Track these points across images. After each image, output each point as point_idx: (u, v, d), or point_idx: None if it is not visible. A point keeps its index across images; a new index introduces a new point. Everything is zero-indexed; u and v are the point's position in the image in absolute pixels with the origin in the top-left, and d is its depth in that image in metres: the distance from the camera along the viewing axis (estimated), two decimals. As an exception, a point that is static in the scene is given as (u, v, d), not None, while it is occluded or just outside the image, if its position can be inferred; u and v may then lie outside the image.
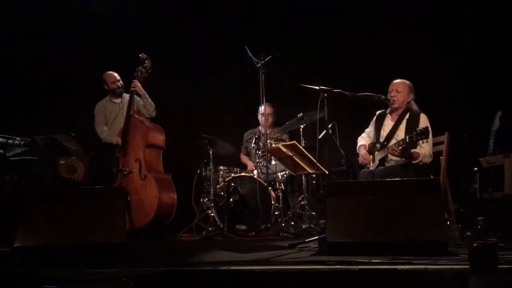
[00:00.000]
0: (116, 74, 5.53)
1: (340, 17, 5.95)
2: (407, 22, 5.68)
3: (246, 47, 4.69)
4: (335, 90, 4.20)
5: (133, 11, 6.30)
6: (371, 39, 5.75)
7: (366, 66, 5.62)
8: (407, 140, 3.99)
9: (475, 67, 5.34)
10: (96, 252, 3.37)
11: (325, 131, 4.58)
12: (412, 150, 4.10)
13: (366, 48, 5.74)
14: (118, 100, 5.54)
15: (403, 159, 4.14)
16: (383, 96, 4.38)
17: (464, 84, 5.41)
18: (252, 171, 5.38)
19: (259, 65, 4.70)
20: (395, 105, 4.39)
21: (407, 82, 4.41)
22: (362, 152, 4.49)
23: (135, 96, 5.35)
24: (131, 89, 5.33)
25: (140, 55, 5.38)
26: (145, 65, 5.37)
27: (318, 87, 4.20)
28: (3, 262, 3.41)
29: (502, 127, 4.59)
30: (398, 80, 4.43)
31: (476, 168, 4.58)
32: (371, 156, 4.45)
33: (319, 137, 4.58)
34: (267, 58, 4.70)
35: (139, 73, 5.37)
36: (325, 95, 4.16)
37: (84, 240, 3.42)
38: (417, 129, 3.97)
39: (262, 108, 5.49)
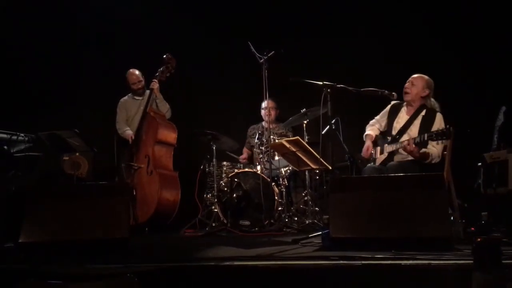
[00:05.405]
0: (137, 74, 5.56)
1: (344, 12, 5.93)
2: (412, 17, 5.66)
3: (249, 42, 4.69)
4: (339, 86, 4.17)
5: (136, 7, 6.30)
6: (375, 34, 5.73)
7: (370, 62, 5.60)
8: (426, 139, 3.91)
9: (479, 62, 5.32)
10: (98, 248, 3.37)
11: (328, 126, 4.56)
12: (423, 150, 4.03)
13: (370, 43, 5.72)
14: (140, 98, 5.60)
15: (413, 157, 4.08)
16: (386, 92, 4.34)
17: (468, 79, 5.39)
18: (249, 165, 5.39)
19: (262, 60, 4.69)
20: (407, 98, 4.32)
21: (426, 77, 4.32)
22: (368, 143, 4.45)
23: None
24: (150, 87, 5.37)
25: (165, 56, 5.38)
26: (168, 65, 5.37)
27: (321, 83, 4.18)
28: (8, 257, 3.42)
29: (506, 122, 4.57)
30: (417, 74, 4.35)
31: (480, 164, 4.56)
32: (371, 153, 4.43)
33: (323, 132, 4.57)
34: (270, 54, 4.70)
35: (160, 72, 5.38)
36: (329, 90, 4.14)
37: (87, 235, 3.42)
38: (439, 128, 3.89)
39: (264, 103, 5.49)
